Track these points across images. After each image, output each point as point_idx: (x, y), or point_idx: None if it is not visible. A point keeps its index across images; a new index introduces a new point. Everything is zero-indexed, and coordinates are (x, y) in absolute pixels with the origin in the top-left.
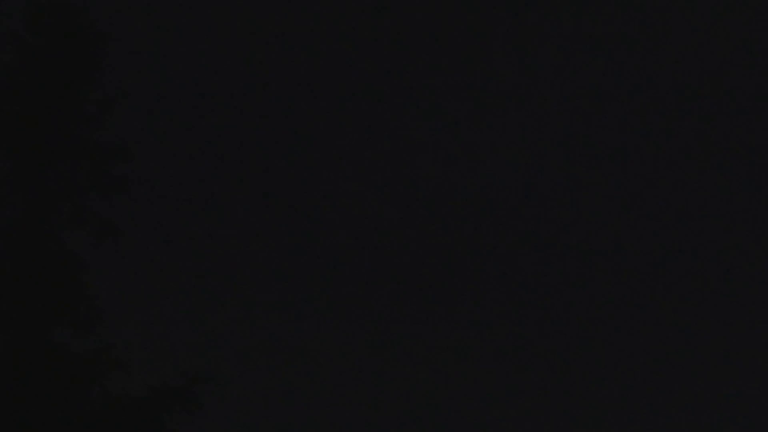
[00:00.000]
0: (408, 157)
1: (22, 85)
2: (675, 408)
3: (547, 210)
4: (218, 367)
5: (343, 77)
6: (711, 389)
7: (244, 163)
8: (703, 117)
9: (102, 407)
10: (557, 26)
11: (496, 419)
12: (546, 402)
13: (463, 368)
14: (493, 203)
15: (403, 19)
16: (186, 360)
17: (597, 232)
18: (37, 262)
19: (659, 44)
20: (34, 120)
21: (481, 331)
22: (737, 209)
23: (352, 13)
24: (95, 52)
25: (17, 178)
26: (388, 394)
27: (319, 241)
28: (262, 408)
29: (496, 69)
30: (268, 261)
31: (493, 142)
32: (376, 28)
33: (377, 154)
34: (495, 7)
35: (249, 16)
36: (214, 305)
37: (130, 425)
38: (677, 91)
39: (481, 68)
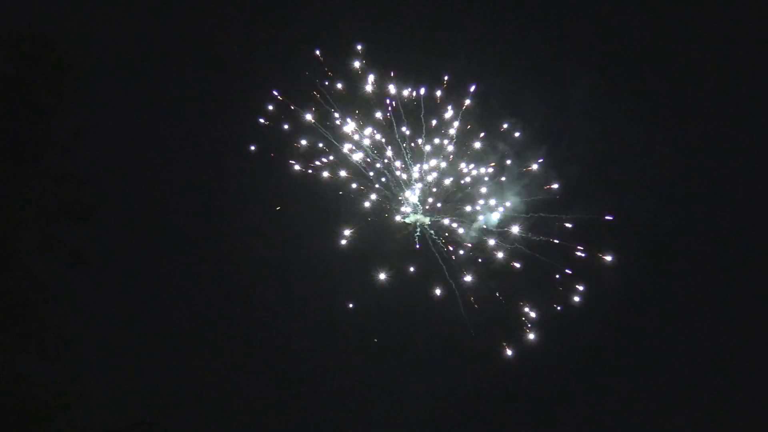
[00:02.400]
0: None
1: None
2: (673, 408)
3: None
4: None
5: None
6: (710, 389)
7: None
8: (703, 119)
9: None
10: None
11: (495, 419)
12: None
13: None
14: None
15: (402, 20)
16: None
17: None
18: (3, 290)
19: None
20: (2, 147)
21: (479, 333)
22: (737, 210)
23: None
24: (66, 81)
25: None
26: (385, 395)
27: (314, 243)
28: (258, 411)
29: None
30: (256, 269)
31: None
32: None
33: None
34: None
35: (238, 21)
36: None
37: None
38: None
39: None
